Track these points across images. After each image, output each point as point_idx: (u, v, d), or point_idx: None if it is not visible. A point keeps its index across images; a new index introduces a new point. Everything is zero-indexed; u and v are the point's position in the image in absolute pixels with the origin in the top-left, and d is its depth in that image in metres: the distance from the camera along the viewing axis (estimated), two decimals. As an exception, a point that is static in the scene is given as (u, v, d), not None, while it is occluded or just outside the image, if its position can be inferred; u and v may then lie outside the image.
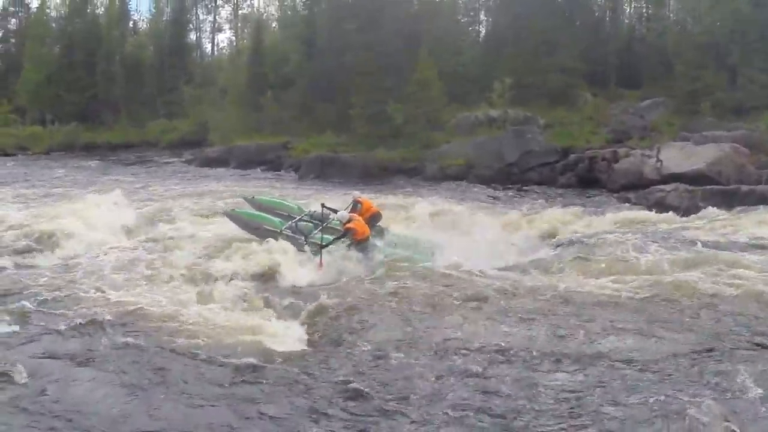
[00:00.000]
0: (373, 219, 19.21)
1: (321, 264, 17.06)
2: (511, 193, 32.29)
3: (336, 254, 17.58)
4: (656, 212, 25.20)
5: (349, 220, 18.17)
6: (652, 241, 19.40)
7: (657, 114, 40.45)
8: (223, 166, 48.17)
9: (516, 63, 45.79)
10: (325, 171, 40.17)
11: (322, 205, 20.17)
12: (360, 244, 17.86)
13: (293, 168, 43.24)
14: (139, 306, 14.55)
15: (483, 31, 61.80)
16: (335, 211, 19.55)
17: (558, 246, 20.24)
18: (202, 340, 12.54)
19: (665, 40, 47.44)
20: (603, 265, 17.09)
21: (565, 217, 24.58)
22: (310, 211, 21.06)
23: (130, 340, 12.55)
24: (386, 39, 46.02)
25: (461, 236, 20.24)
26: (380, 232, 19.25)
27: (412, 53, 44.61)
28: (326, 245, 17.64)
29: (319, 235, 18.29)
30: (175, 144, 60.39)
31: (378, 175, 38.41)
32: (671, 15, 55.02)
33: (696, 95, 38.89)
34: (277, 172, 43.68)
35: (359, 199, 20.21)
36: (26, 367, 11.04)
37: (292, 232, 19.09)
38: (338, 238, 17.98)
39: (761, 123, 34.41)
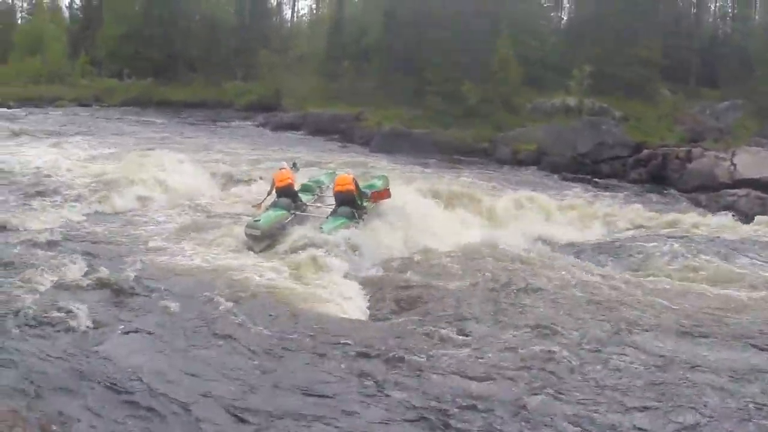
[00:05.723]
0: (339, 195, 19.30)
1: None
2: (577, 183, 31.69)
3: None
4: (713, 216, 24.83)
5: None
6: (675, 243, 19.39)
7: (734, 116, 39.97)
8: (295, 131, 48.66)
9: (596, 52, 45.42)
10: (395, 145, 39.94)
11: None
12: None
13: (364, 139, 43.19)
14: (191, 266, 15.36)
15: (565, 18, 61.49)
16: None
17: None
18: (250, 303, 13.12)
19: (749, 41, 46.84)
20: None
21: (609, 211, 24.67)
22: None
23: (196, 298, 13.19)
24: (467, 17, 45.82)
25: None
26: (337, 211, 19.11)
27: (492, 34, 44.41)
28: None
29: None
30: (249, 106, 60.84)
31: (448, 154, 38.32)
32: (757, 16, 54.25)
33: (776, 100, 38.36)
34: (348, 143, 43.63)
35: (339, 173, 20.91)
36: (93, 317, 11.70)
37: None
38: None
39: None
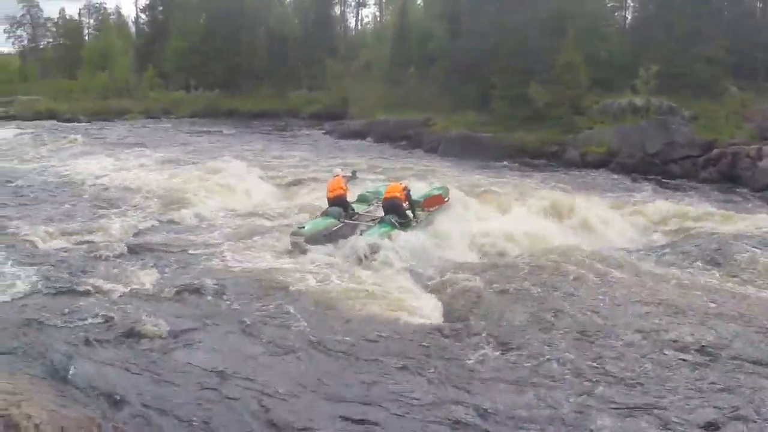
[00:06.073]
0: (385, 203, 19.56)
1: None
2: (647, 184, 31.58)
3: None
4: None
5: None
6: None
7: (806, 111, 39.25)
8: (362, 139, 49.34)
9: (662, 51, 45.00)
10: (463, 149, 40.40)
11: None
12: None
13: (432, 145, 43.54)
14: (265, 270, 15.99)
15: (629, 17, 60.99)
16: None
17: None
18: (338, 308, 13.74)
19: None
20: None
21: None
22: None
23: (259, 303, 13.81)
24: (531, 20, 45.89)
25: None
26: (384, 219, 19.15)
27: (557, 36, 44.30)
28: None
29: None
30: (316, 115, 61.67)
31: (517, 157, 38.58)
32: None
33: None
34: (415, 149, 44.03)
35: (388, 184, 21.15)
36: (163, 323, 12.29)
37: None
38: None
39: None
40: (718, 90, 42.76)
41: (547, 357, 11.51)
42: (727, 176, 32.80)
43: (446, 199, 21.85)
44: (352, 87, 59.90)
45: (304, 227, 18.29)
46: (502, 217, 21.68)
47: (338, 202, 19.94)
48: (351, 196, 21.29)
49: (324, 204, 20.52)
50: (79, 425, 8.26)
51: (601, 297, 14.44)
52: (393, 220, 18.60)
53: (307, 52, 73.25)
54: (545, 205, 22.88)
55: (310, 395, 10.19)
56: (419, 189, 22.50)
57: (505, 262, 17.40)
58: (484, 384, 10.62)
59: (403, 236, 17.89)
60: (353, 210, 20.36)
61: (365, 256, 16.95)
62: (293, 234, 18.07)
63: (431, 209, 20.73)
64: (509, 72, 44.08)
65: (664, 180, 32.98)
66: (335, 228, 18.85)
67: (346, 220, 19.44)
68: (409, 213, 19.65)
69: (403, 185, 19.86)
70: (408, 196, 19.66)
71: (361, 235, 18.02)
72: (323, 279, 15.40)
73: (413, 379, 10.71)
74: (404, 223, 18.87)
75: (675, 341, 12.09)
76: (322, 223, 18.95)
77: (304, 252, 17.49)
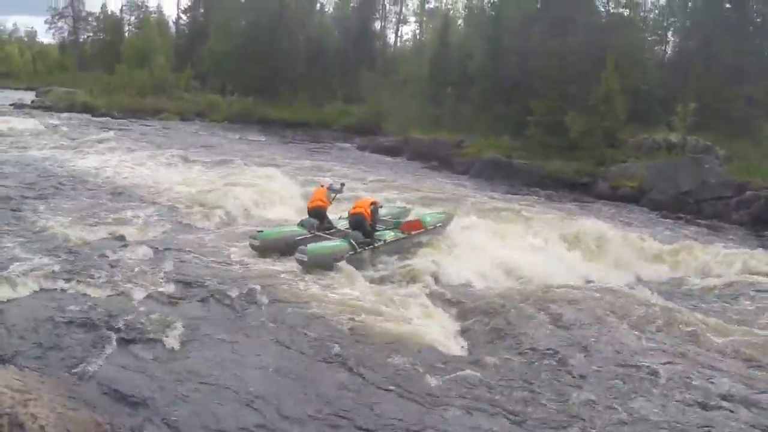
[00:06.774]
0: (351, 218, 19.41)
1: None
2: (677, 222, 31.10)
3: None
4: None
5: None
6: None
7: None
8: (394, 156, 49.15)
9: (701, 87, 44.76)
10: (494, 174, 40.49)
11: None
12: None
13: (463, 167, 43.37)
14: (286, 283, 15.92)
15: (669, 52, 60.80)
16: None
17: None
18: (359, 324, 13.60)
19: None
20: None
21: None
22: None
23: (280, 314, 13.78)
24: (572, 48, 45.85)
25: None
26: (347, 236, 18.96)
27: (596, 67, 44.09)
28: None
29: None
30: (349, 128, 61.78)
31: (546, 186, 38.26)
32: None
33: None
34: (446, 170, 43.64)
35: (359, 199, 21.62)
36: (178, 327, 12.38)
37: None
38: None
39: None
40: (755, 130, 42.38)
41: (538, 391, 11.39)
42: (760, 219, 32.03)
43: (439, 225, 21.34)
44: (389, 102, 59.91)
45: (262, 231, 18.76)
46: (499, 247, 20.80)
47: (315, 213, 20.26)
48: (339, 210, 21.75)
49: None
50: (86, 429, 8.18)
51: (607, 331, 14.22)
52: (353, 240, 18.37)
53: (345, 65, 73.53)
54: (554, 236, 22.55)
55: (318, 405, 10.23)
56: (420, 212, 23.11)
57: (490, 294, 16.89)
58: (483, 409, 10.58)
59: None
60: (330, 223, 20.39)
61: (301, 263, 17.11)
62: (251, 237, 18.61)
63: (412, 233, 20.35)
64: (547, 98, 43.90)
65: (696, 219, 32.31)
66: (300, 238, 18.80)
67: (317, 232, 19.48)
68: (387, 233, 19.78)
69: (371, 201, 19.89)
70: (374, 214, 19.53)
71: (303, 249, 17.65)
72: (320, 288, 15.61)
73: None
74: (366, 243, 18.68)
75: (701, 387, 11.85)
76: (284, 230, 19.35)
77: (261, 255, 18.15)
